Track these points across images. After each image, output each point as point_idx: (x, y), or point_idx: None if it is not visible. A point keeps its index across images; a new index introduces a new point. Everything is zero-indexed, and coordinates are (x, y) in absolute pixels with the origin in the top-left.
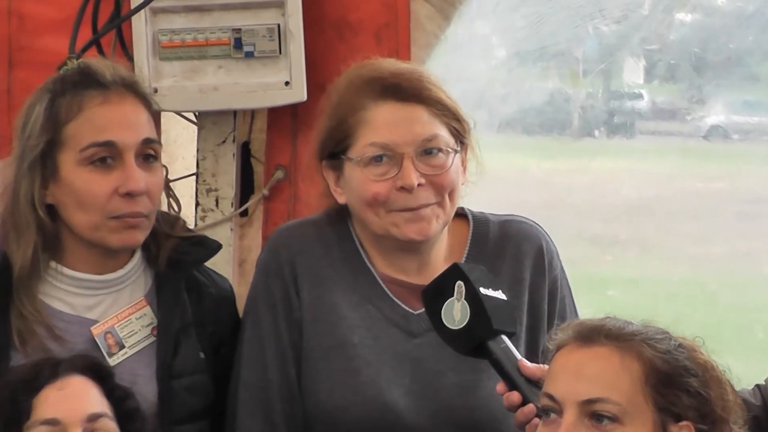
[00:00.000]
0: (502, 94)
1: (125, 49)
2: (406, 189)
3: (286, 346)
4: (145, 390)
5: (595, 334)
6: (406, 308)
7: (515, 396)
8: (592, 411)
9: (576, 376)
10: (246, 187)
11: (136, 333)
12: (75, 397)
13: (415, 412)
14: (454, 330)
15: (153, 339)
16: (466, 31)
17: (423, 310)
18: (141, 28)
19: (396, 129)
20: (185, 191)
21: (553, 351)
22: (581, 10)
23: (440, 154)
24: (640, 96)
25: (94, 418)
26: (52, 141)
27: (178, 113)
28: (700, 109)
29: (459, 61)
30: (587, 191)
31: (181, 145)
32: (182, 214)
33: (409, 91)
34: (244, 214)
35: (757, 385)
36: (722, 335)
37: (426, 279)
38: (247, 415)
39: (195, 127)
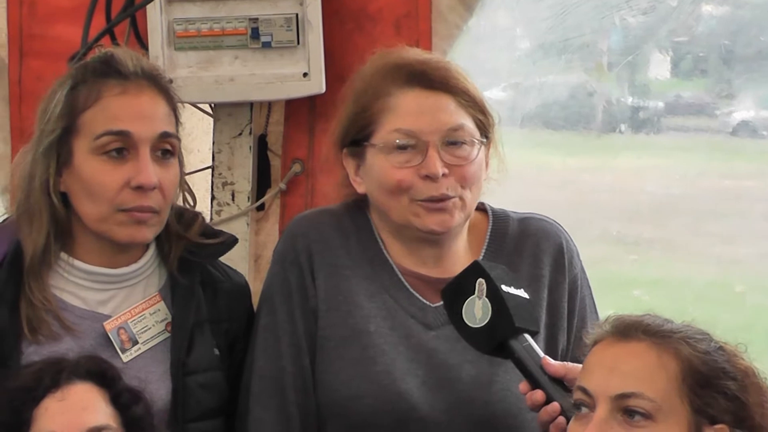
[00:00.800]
0: (525, 87)
1: (139, 38)
2: (430, 177)
3: (300, 336)
4: (159, 387)
5: (632, 330)
6: (424, 300)
7: (539, 395)
8: (624, 406)
9: (611, 370)
10: (262, 180)
11: (150, 329)
12: (76, 409)
13: (429, 404)
14: (476, 328)
15: (167, 335)
16: (489, 22)
17: (440, 303)
18: (156, 17)
19: (422, 117)
20: (200, 185)
21: (590, 346)
22: (608, 1)
23: (464, 145)
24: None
25: (95, 431)
26: (69, 128)
27: (194, 105)
28: (728, 104)
29: (482, 53)
30: (611, 189)
31: (196, 138)
32: (197, 208)
33: (435, 80)
34: (261, 208)
35: None
36: (750, 338)
37: (444, 272)
38: (261, 406)
39: (210, 119)
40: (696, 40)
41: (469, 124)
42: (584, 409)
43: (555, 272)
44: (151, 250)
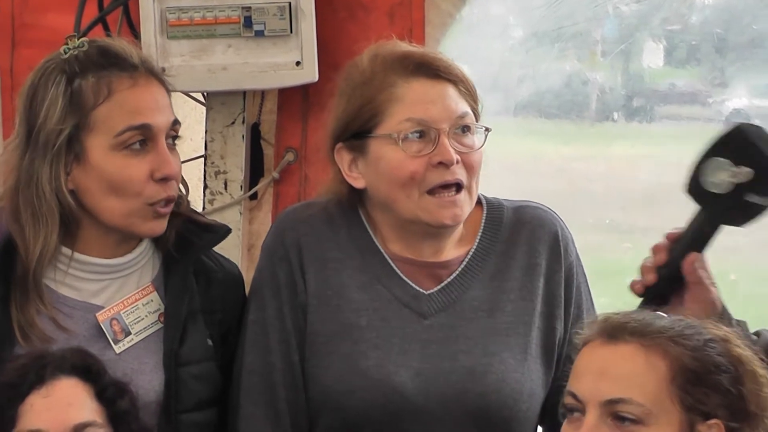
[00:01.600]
0: (518, 76)
1: (132, 27)
2: (444, 164)
3: (290, 332)
4: (152, 378)
5: (620, 331)
6: (417, 288)
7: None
8: (614, 411)
9: (599, 375)
10: (255, 169)
11: (143, 319)
12: (61, 405)
13: (423, 396)
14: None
15: (160, 326)
16: (482, 10)
17: (434, 289)
18: (148, 5)
19: (432, 105)
20: (192, 174)
21: (579, 347)
22: None
23: (469, 133)
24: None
25: (80, 428)
26: (78, 125)
27: (186, 94)
28: (721, 93)
29: (474, 41)
30: (605, 177)
31: (189, 127)
32: (190, 197)
33: (438, 69)
34: (254, 197)
35: None
36: None
37: (439, 258)
38: (251, 403)
39: (203, 108)
40: (689, 29)
41: (470, 111)
42: (576, 414)
43: (551, 260)
44: (146, 240)
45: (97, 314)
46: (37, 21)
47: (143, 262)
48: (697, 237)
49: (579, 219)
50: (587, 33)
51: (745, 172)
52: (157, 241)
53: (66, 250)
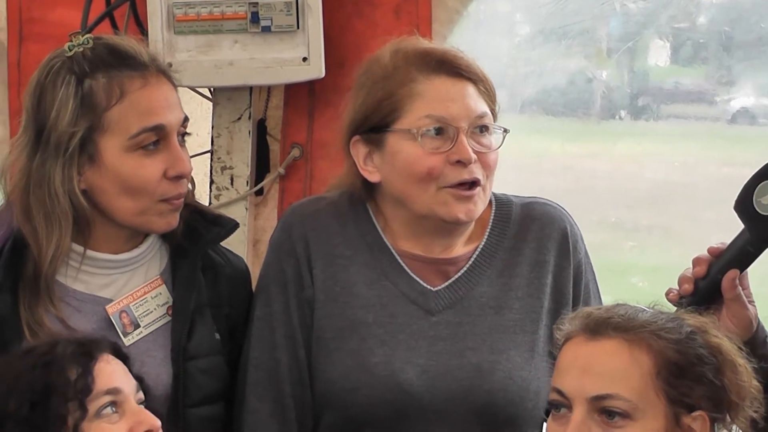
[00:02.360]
0: (524, 73)
1: (139, 22)
2: (462, 163)
3: (296, 327)
4: (160, 372)
5: (602, 327)
6: (425, 285)
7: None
8: (601, 407)
9: (584, 371)
10: (261, 165)
11: (152, 312)
12: (122, 371)
13: (430, 393)
14: None
15: (168, 319)
16: (489, 7)
17: (442, 286)
18: (155, 1)
19: (452, 103)
20: (199, 169)
21: (561, 342)
22: None
23: (487, 133)
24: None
25: (138, 389)
26: (92, 127)
27: (193, 89)
28: (728, 91)
29: (481, 38)
30: (610, 175)
31: (195, 122)
32: (196, 193)
33: (460, 67)
34: (260, 193)
35: None
36: None
37: (447, 254)
38: (257, 398)
39: (210, 104)
40: (696, 27)
41: (489, 112)
42: (562, 410)
43: (559, 257)
44: (154, 234)
45: (106, 306)
46: (44, 16)
47: (150, 256)
48: (740, 255)
49: (583, 217)
50: (594, 30)
51: None
52: (166, 235)
53: (78, 248)
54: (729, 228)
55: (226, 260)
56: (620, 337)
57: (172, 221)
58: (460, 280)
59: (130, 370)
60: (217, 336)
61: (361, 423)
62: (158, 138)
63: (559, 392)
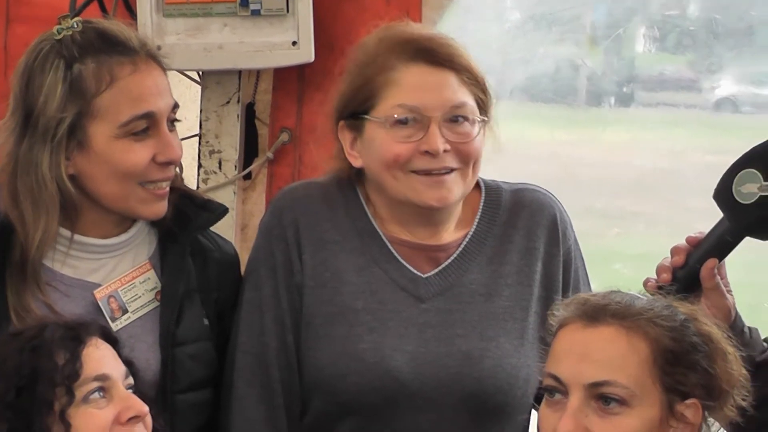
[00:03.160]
0: (513, 60)
1: (128, 4)
2: (430, 153)
3: (285, 312)
4: (148, 357)
5: (600, 313)
6: (415, 271)
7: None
8: (599, 393)
9: (582, 358)
10: (250, 149)
11: (140, 297)
12: (111, 355)
13: (419, 380)
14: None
15: (157, 304)
16: None
17: (432, 273)
18: None
19: (426, 93)
20: (187, 152)
21: (556, 327)
22: None
23: (466, 123)
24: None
25: (127, 374)
26: (80, 113)
27: (182, 72)
28: (715, 79)
29: (471, 24)
30: (596, 163)
31: (183, 106)
32: (184, 176)
33: (440, 56)
34: (248, 177)
35: None
36: None
37: (438, 240)
38: (245, 383)
39: (198, 87)
40: (686, 15)
41: (471, 102)
42: (557, 395)
43: (549, 245)
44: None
45: (94, 291)
46: None
47: (138, 240)
48: (718, 244)
49: (569, 204)
50: (582, 17)
51: None
52: (154, 220)
53: (65, 232)
54: (713, 216)
55: (215, 245)
56: (618, 324)
57: (159, 209)
58: (450, 266)
59: (120, 354)
60: (206, 321)
61: (349, 409)
62: (148, 125)
63: (555, 378)
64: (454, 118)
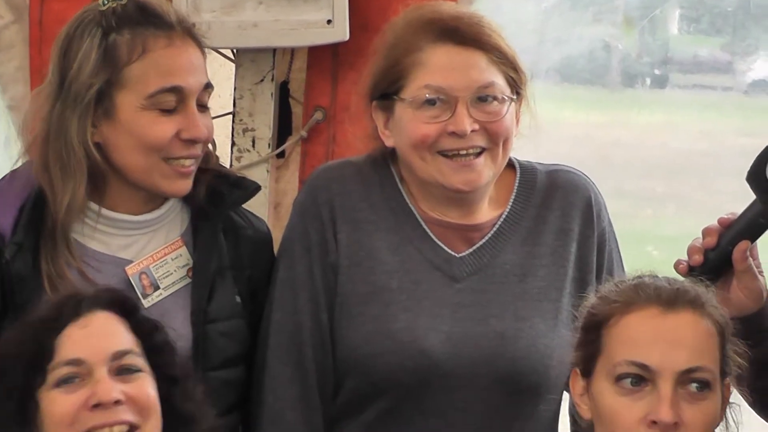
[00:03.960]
0: (549, 40)
1: None
2: (457, 134)
3: (319, 291)
4: (180, 334)
5: (678, 300)
6: (449, 251)
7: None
8: (690, 379)
9: (672, 344)
10: (283, 128)
11: (172, 274)
12: (99, 335)
13: (453, 360)
14: None
15: (188, 281)
16: None
17: (466, 252)
18: None
19: (452, 73)
20: (220, 131)
21: (616, 314)
22: None
23: (495, 102)
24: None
25: (119, 355)
26: (110, 81)
27: (216, 50)
28: (749, 62)
29: (507, 4)
30: (629, 144)
31: (217, 83)
32: (217, 154)
33: (468, 35)
34: (281, 155)
35: None
36: None
37: (472, 220)
38: (278, 361)
39: (232, 65)
40: None
41: (500, 81)
42: (641, 384)
43: (584, 226)
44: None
45: (126, 268)
46: None
47: (171, 217)
48: (751, 226)
49: (601, 186)
50: None
51: None
52: (187, 197)
53: (93, 206)
54: (746, 198)
55: (248, 222)
56: (694, 310)
57: (181, 187)
58: (484, 246)
59: (145, 317)
60: (238, 299)
61: (382, 389)
62: (176, 101)
63: (641, 366)
64: (482, 97)
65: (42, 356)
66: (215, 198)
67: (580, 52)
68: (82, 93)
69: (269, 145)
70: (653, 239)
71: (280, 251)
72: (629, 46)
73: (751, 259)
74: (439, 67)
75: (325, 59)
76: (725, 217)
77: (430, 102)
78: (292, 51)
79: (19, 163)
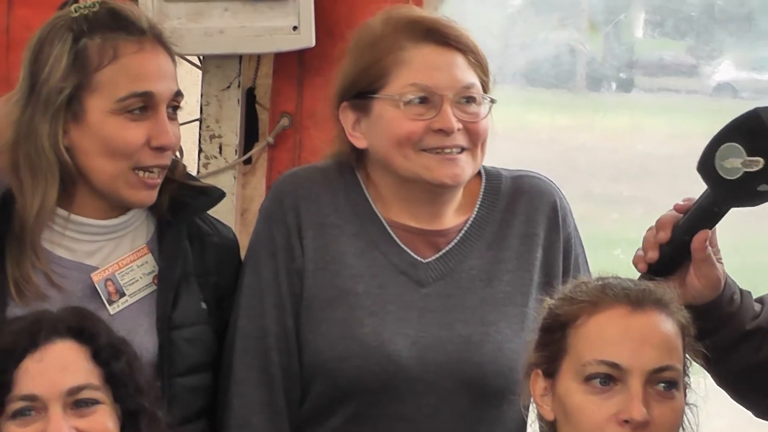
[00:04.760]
0: (513, 45)
1: None
2: (444, 131)
3: (285, 296)
4: (146, 340)
5: (645, 299)
6: (415, 256)
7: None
8: (659, 379)
9: (642, 343)
10: (250, 134)
11: (137, 281)
12: (54, 370)
13: (419, 365)
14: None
15: (154, 288)
16: None
17: (432, 258)
18: None
19: (438, 72)
20: (187, 137)
21: (583, 314)
22: None
23: (474, 103)
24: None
25: (75, 391)
26: (81, 85)
27: (182, 57)
28: (715, 65)
29: (473, 8)
30: (595, 148)
31: (184, 90)
32: (184, 161)
33: (449, 37)
34: (248, 161)
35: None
36: None
37: (438, 225)
38: (244, 366)
39: (199, 71)
40: (685, 0)
41: (477, 83)
42: (609, 383)
43: (549, 231)
44: None
45: (92, 274)
46: None
47: (137, 224)
48: (705, 215)
49: (568, 189)
50: (583, 2)
51: (756, 162)
52: (152, 206)
53: (62, 212)
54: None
55: (213, 229)
56: (660, 310)
57: (145, 198)
58: (450, 252)
59: (107, 340)
60: (204, 305)
61: (349, 394)
62: (145, 105)
63: (612, 365)
64: (465, 98)
65: (1, 389)
66: (179, 205)
67: (546, 57)
68: (53, 97)
69: (236, 151)
70: (620, 242)
71: (247, 257)
72: (594, 50)
73: (710, 248)
74: (424, 65)
75: (291, 65)
76: (681, 204)
77: (419, 99)
78: (259, 57)
79: None
